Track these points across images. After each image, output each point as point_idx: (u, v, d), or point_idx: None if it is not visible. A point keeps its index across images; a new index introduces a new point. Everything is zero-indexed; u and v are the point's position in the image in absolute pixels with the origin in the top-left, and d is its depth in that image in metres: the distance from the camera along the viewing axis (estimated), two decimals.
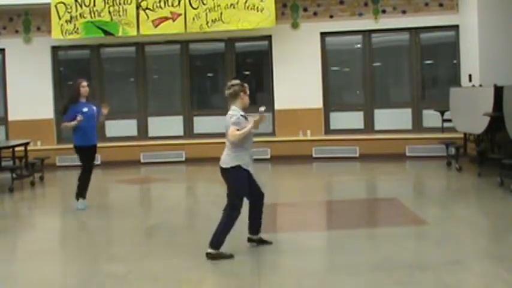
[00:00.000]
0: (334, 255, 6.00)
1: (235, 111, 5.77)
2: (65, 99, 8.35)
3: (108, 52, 13.86)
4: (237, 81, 5.91)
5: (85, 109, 8.21)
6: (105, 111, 8.53)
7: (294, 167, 11.97)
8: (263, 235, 6.15)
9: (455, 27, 12.48)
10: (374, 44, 13.08)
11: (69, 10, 12.59)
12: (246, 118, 5.78)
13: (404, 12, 12.66)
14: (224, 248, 5.71)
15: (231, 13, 12.34)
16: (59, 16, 12.64)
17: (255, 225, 6.10)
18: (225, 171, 5.83)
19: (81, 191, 8.40)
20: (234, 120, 5.68)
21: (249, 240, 6.13)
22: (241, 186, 5.80)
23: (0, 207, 9.38)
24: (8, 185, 10.17)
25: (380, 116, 13.02)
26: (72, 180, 11.71)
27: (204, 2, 12.38)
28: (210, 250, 5.71)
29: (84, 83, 8.36)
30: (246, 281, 5.14)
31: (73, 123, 8.05)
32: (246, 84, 5.91)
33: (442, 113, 11.93)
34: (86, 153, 8.31)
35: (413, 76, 12.94)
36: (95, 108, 8.44)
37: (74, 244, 6.81)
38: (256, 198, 6.02)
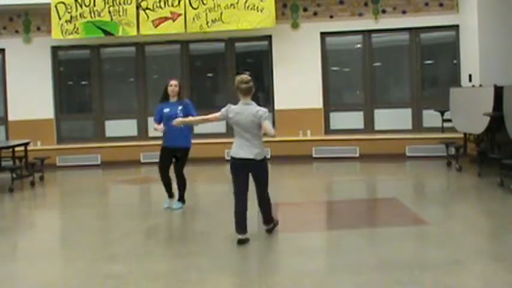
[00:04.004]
0: (334, 255, 6.00)
1: (256, 106, 6.08)
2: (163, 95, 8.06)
3: (108, 52, 13.86)
4: (248, 77, 6.09)
5: (166, 110, 7.87)
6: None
7: (294, 167, 11.97)
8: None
9: (455, 27, 12.49)
10: (374, 44, 13.08)
11: (69, 10, 12.60)
12: None
13: (404, 12, 12.67)
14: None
15: (231, 13, 12.35)
16: (59, 16, 12.65)
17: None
18: (263, 163, 6.14)
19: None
20: (267, 115, 6.07)
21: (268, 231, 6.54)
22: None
23: (0, 207, 9.37)
24: (8, 185, 10.17)
25: (380, 116, 13.02)
26: (72, 181, 11.77)
27: (204, 2, 12.39)
28: (270, 226, 6.46)
29: (172, 82, 7.95)
30: (246, 281, 5.14)
31: (158, 127, 7.89)
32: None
33: (442, 113, 11.93)
34: (163, 153, 8.06)
35: (413, 76, 12.94)
36: (180, 107, 7.90)
37: (74, 244, 6.80)
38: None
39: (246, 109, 6.05)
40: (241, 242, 6.09)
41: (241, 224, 6.11)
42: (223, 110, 6.17)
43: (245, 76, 6.07)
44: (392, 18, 12.70)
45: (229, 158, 6.15)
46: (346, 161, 12.21)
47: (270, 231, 6.50)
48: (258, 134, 6.07)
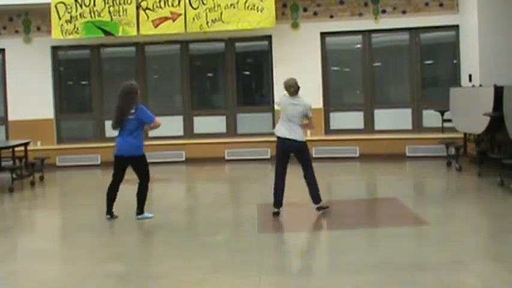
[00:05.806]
0: (334, 255, 6.00)
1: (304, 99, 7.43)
2: (130, 101, 8.16)
3: (108, 52, 13.86)
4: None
5: None
6: None
7: (294, 167, 11.88)
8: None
9: (455, 27, 12.49)
10: (374, 44, 13.08)
11: (69, 10, 12.60)
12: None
13: (404, 12, 12.67)
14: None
15: (231, 13, 12.34)
16: (59, 16, 12.64)
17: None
18: (303, 144, 7.46)
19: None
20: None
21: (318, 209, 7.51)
22: None
23: (0, 207, 9.37)
24: (8, 185, 10.17)
25: (380, 116, 13.02)
26: (72, 181, 11.76)
27: (204, 2, 12.38)
28: (319, 204, 7.43)
29: None
30: (246, 281, 5.13)
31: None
32: None
33: (442, 113, 11.94)
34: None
35: (413, 76, 12.94)
36: None
37: (73, 244, 6.80)
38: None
39: (298, 101, 7.41)
40: (276, 215, 7.31)
41: (278, 198, 7.34)
42: (277, 103, 7.96)
43: (292, 80, 7.41)
44: (392, 18, 12.69)
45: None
46: (346, 161, 12.20)
47: (320, 208, 7.43)
48: (301, 122, 7.44)
